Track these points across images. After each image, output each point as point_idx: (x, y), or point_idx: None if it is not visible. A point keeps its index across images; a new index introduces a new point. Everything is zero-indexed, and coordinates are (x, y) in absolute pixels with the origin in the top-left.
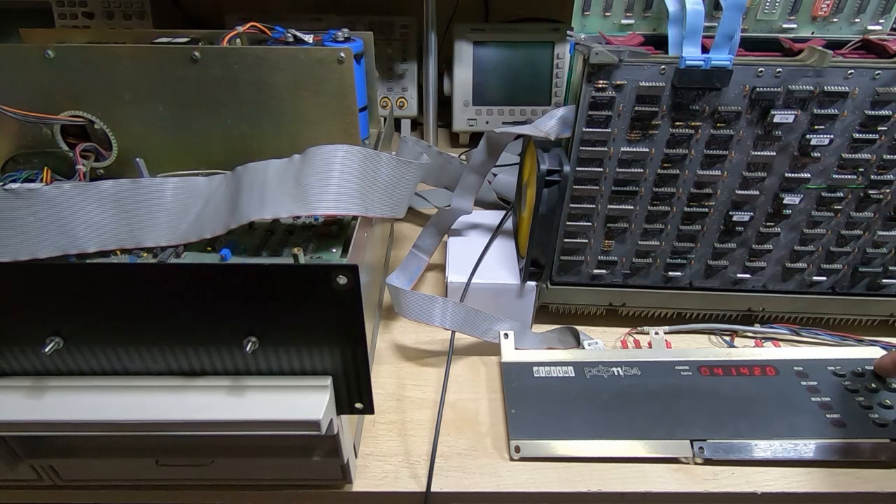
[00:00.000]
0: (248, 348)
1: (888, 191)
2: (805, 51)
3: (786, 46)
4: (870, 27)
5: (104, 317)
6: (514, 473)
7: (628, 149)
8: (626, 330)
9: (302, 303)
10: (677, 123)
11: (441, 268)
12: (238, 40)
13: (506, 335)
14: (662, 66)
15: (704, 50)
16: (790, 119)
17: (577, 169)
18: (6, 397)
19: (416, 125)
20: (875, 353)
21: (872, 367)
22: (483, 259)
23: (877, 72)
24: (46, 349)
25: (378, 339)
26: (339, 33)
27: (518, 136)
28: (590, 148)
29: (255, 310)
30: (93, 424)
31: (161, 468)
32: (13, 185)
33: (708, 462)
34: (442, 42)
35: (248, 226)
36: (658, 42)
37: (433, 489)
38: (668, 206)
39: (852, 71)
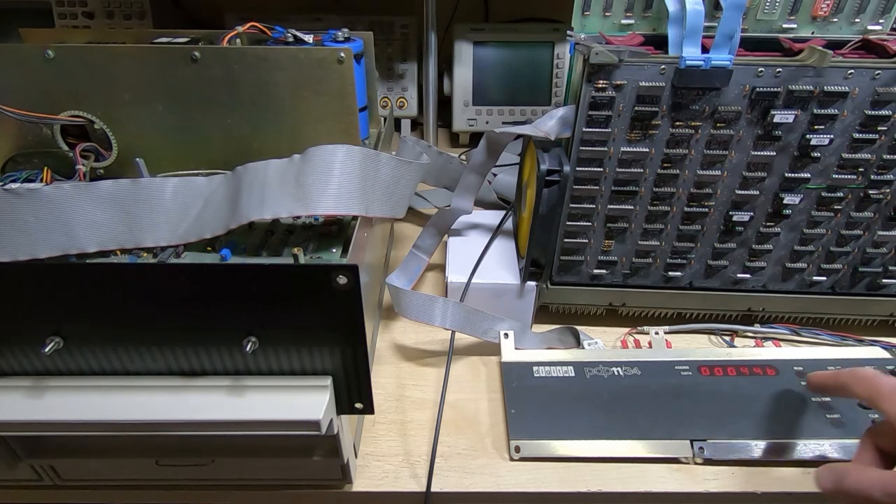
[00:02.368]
0: (248, 348)
1: (888, 191)
2: (805, 51)
3: (786, 46)
4: (870, 27)
5: (104, 317)
6: (514, 473)
7: (628, 149)
8: (626, 330)
9: (302, 303)
10: (677, 123)
11: (441, 268)
12: (238, 40)
13: (506, 335)
14: (662, 66)
15: (704, 50)
16: (790, 119)
17: (577, 169)
18: (6, 397)
19: (416, 125)
20: (875, 353)
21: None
22: (483, 259)
23: (877, 72)
24: (46, 349)
25: (378, 339)
26: (339, 33)
27: (518, 136)
28: (590, 148)
29: (255, 310)
30: (93, 424)
31: (161, 468)
32: (13, 185)
33: (708, 462)
34: (442, 42)
35: (248, 226)
36: (658, 42)
37: (433, 489)
38: (668, 206)
39: (852, 71)
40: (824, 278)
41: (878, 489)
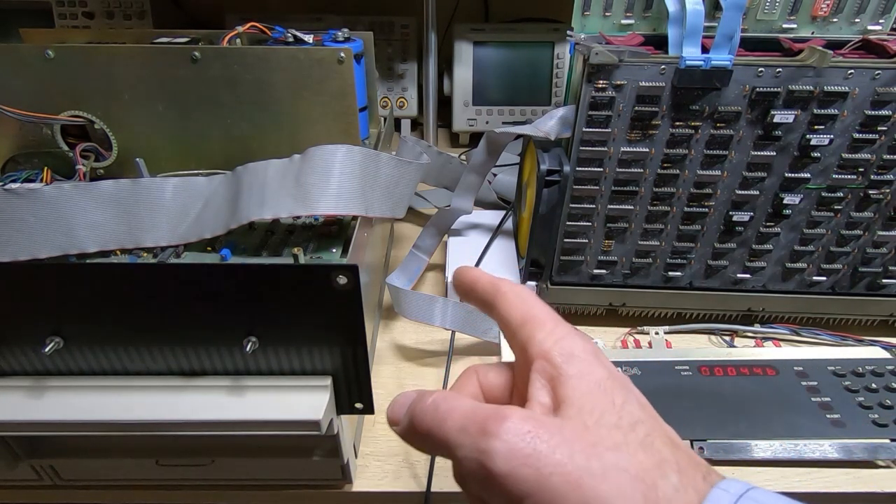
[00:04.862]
0: (248, 348)
1: (888, 191)
2: (805, 51)
3: (786, 46)
4: (870, 27)
5: (104, 317)
6: None
7: (628, 149)
8: (626, 330)
9: (302, 303)
10: (677, 123)
11: (441, 268)
12: (238, 40)
13: None
14: (662, 66)
15: (704, 50)
16: (790, 119)
17: (577, 169)
18: (6, 397)
19: (416, 125)
20: (875, 353)
21: (872, 368)
22: (483, 259)
23: (877, 72)
24: (46, 349)
25: (378, 339)
26: (339, 33)
27: (518, 136)
28: (590, 148)
29: (255, 310)
30: (93, 424)
31: (161, 468)
32: (13, 185)
33: (708, 462)
34: (442, 42)
35: (248, 226)
36: (658, 42)
37: (433, 489)
38: (668, 206)
39: (852, 71)
40: (824, 278)
41: (455, 423)
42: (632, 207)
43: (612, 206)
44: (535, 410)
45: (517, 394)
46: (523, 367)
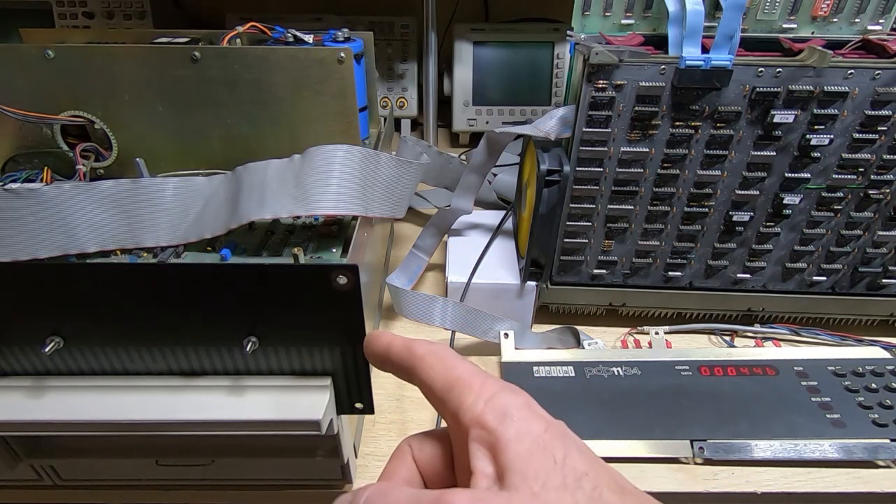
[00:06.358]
0: (248, 348)
1: (888, 191)
2: (805, 51)
3: (786, 46)
4: (870, 27)
5: (104, 317)
6: None
7: (628, 149)
8: (626, 330)
9: (302, 303)
10: (677, 123)
11: (441, 268)
12: (238, 40)
13: (506, 335)
14: (662, 66)
15: (704, 50)
16: (790, 119)
17: (577, 169)
18: (6, 397)
19: (416, 125)
20: (875, 353)
21: (872, 368)
22: (483, 259)
23: (877, 72)
24: (46, 349)
25: None
26: (339, 33)
27: (518, 136)
28: (590, 148)
29: (255, 310)
30: (93, 424)
31: (161, 468)
32: (13, 185)
33: (708, 462)
34: (442, 42)
35: (248, 226)
36: (658, 42)
37: None
38: (668, 206)
39: (852, 71)
40: (824, 278)
41: None
42: (632, 207)
43: (612, 206)
44: (481, 483)
45: (458, 462)
46: (458, 434)
